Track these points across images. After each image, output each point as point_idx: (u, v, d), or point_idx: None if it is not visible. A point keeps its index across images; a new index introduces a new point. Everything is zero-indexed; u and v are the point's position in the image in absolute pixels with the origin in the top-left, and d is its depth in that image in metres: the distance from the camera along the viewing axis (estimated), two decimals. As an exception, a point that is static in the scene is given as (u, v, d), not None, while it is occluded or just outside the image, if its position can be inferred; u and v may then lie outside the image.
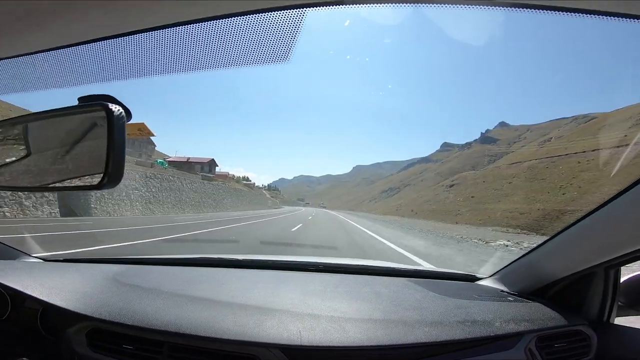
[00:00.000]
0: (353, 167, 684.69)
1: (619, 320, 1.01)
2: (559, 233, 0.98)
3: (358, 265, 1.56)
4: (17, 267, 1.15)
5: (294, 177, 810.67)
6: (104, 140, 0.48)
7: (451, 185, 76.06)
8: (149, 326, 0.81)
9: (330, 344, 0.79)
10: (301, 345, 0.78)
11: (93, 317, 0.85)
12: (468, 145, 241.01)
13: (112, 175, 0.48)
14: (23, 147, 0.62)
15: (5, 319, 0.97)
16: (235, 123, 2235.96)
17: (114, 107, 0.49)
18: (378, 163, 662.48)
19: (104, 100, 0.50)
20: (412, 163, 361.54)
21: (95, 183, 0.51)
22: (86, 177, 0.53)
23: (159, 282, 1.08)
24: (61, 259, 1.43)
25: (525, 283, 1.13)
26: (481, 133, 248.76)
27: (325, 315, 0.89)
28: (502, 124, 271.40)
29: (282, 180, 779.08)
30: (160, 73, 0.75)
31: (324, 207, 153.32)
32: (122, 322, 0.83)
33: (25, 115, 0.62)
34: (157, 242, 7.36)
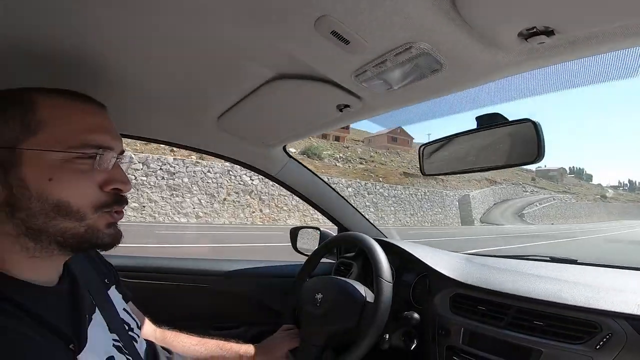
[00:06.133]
0: None
1: None
2: None
3: None
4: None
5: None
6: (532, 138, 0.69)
7: None
8: (503, 290, 0.91)
9: None
10: None
11: (461, 282, 1.00)
12: None
13: (540, 155, 0.68)
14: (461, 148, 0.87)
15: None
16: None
17: (538, 124, 0.68)
18: None
19: (496, 117, 0.75)
20: None
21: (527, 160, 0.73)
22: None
23: (508, 265, 1.17)
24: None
25: None
26: None
27: None
28: None
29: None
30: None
31: None
32: (480, 287, 0.96)
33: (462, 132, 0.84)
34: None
